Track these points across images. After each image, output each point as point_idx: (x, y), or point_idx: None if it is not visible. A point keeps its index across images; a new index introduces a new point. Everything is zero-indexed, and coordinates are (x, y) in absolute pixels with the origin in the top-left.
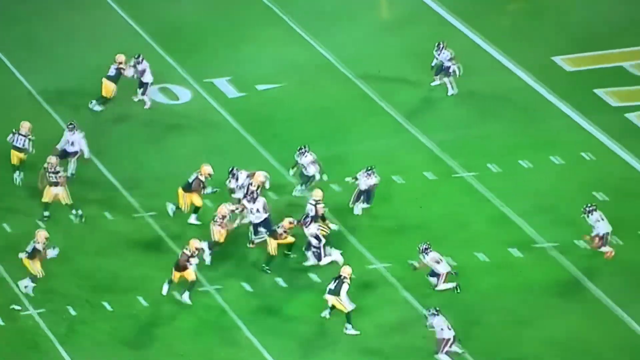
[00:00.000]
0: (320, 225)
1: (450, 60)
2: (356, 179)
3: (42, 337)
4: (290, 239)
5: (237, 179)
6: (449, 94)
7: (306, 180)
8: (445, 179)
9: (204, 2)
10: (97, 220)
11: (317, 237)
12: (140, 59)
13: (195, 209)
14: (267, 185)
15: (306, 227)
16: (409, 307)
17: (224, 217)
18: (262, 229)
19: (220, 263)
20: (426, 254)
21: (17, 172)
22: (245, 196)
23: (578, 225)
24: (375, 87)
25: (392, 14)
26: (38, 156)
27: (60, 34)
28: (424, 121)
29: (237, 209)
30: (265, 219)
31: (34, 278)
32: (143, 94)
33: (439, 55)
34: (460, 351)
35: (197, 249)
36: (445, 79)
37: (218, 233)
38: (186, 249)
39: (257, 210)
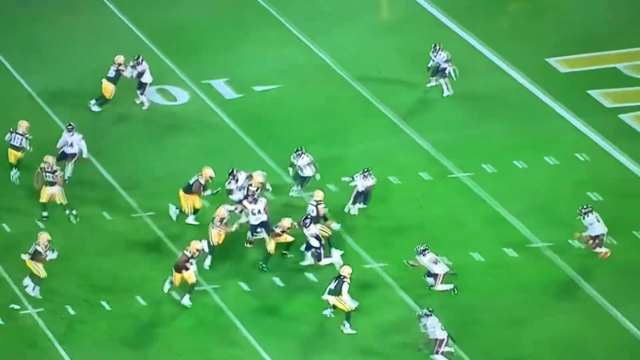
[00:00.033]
0: (321, 227)
1: (446, 61)
2: (352, 179)
3: (41, 336)
4: (289, 239)
5: (237, 181)
6: (445, 95)
7: (302, 181)
8: (441, 179)
9: (201, 4)
10: (96, 220)
11: (317, 238)
12: (140, 60)
13: (195, 210)
14: (269, 187)
15: (306, 228)
16: (406, 307)
17: (222, 219)
18: (260, 230)
19: (218, 263)
20: (423, 255)
21: (14, 169)
22: (246, 197)
23: (572, 225)
24: (371, 88)
25: (391, 14)
26: (36, 156)
27: (59, 35)
28: (420, 122)
29: (236, 209)
30: (264, 221)
31: (35, 279)
32: (142, 94)
33: (435, 56)
34: (453, 351)
35: (197, 250)
36: (441, 80)
37: (217, 236)
38: (187, 250)
39: (259, 211)
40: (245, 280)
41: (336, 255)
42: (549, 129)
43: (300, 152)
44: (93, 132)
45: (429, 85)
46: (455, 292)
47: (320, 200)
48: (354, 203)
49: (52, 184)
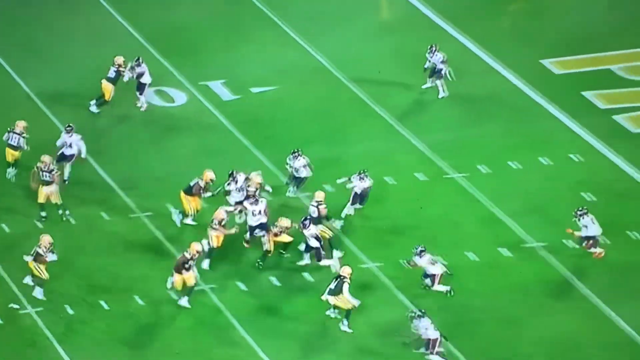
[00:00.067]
0: (323, 228)
1: (442, 62)
2: (350, 181)
3: (40, 335)
4: (288, 238)
5: (236, 182)
6: (440, 96)
7: (298, 182)
8: (437, 180)
9: (199, 7)
10: (95, 220)
11: (317, 238)
12: (140, 61)
13: (195, 211)
14: (269, 188)
15: (305, 229)
16: (404, 308)
17: (220, 221)
18: (259, 231)
19: (217, 263)
20: (420, 256)
21: (11, 167)
22: (247, 198)
23: (567, 225)
24: (368, 89)
25: (390, 15)
26: (35, 156)
27: (57, 37)
28: (416, 123)
29: (235, 209)
30: (262, 222)
31: (38, 280)
32: (141, 94)
33: (431, 57)
34: (443, 350)
35: (197, 252)
36: (437, 82)
37: (214, 238)
38: (187, 251)
39: (259, 212)
40: (243, 280)
41: (335, 258)
42: (543, 130)
43: (296, 153)
44: (92, 132)
45: (424, 86)
46: (452, 294)
47: (321, 201)
48: (352, 204)
49: (48, 183)
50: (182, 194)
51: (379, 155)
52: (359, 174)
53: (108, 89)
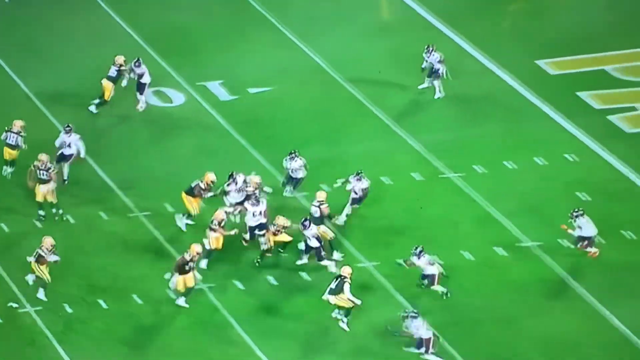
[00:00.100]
0: (325, 229)
1: (439, 62)
2: (348, 182)
3: (39, 334)
4: (287, 238)
5: (235, 183)
6: (436, 97)
7: (295, 183)
8: (433, 179)
9: (197, 8)
10: (93, 220)
11: (317, 239)
12: (139, 62)
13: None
14: (269, 189)
15: (306, 229)
16: (402, 307)
17: (220, 222)
18: (258, 231)
19: (215, 262)
20: (419, 256)
21: (7, 166)
22: (247, 198)
23: (561, 224)
24: (364, 90)
25: (389, 15)
26: (34, 156)
27: (56, 38)
28: (412, 123)
29: (235, 210)
30: (262, 223)
31: (40, 281)
32: (141, 94)
33: (428, 57)
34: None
35: (197, 253)
36: (435, 82)
37: (214, 240)
38: (187, 252)
39: (260, 213)
40: (242, 279)
41: (335, 258)
42: (538, 130)
43: (293, 154)
44: (90, 132)
45: (421, 87)
46: (448, 296)
47: (322, 201)
48: (352, 204)
49: (45, 181)
50: (184, 195)
51: (375, 155)
52: (356, 175)
53: (108, 87)
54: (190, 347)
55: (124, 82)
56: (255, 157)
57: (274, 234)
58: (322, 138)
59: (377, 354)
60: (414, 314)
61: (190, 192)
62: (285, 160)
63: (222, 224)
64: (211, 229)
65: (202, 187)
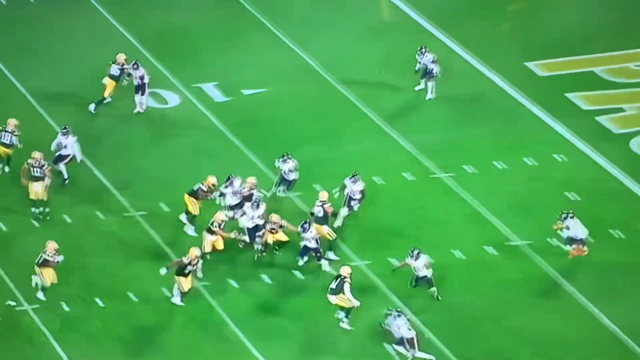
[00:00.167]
0: (328, 230)
1: (433, 62)
2: (344, 186)
3: (37, 332)
4: (284, 238)
5: (232, 186)
6: (427, 98)
7: (288, 184)
8: (424, 179)
9: (192, 11)
10: (90, 219)
11: (316, 240)
12: (137, 65)
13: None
14: (262, 193)
15: (305, 232)
16: (399, 308)
17: (220, 223)
18: (255, 233)
19: (212, 262)
20: (415, 258)
21: (2, 164)
22: (245, 199)
23: (551, 223)
24: (356, 91)
25: (388, 16)
26: (30, 156)
27: (53, 40)
28: (403, 124)
29: (234, 214)
30: (258, 225)
31: (42, 285)
32: (142, 94)
33: (421, 59)
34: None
35: (196, 256)
36: (429, 83)
37: (209, 243)
38: (185, 257)
39: (259, 217)
40: (237, 278)
41: (330, 258)
42: (528, 131)
43: (285, 157)
44: (86, 133)
45: (417, 88)
46: (440, 298)
47: (325, 201)
48: (350, 207)
49: (38, 179)
50: (186, 196)
51: (367, 156)
52: (352, 176)
53: (110, 86)
54: (187, 346)
55: (124, 82)
56: (250, 158)
57: (271, 232)
58: (316, 139)
59: (376, 354)
60: (397, 313)
61: (193, 194)
62: (278, 161)
63: (222, 226)
64: (210, 231)
65: (204, 189)
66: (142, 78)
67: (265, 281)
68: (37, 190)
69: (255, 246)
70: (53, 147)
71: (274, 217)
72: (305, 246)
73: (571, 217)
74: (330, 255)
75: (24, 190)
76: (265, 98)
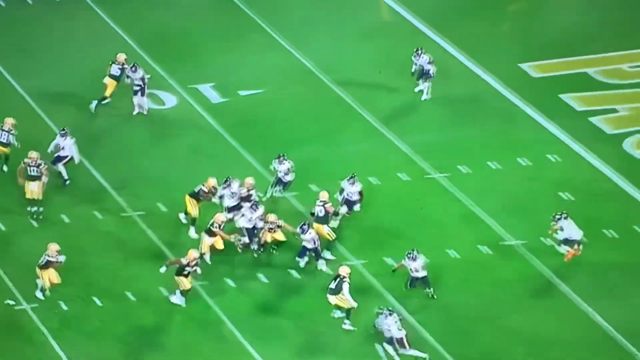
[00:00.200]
0: (328, 231)
1: (430, 63)
2: (342, 189)
3: (35, 331)
4: (282, 237)
5: (230, 187)
6: (423, 99)
7: (284, 185)
8: (419, 180)
9: (189, 12)
10: (88, 219)
11: (314, 241)
12: (135, 67)
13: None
14: (261, 194)
15: (304, 233)
16: (397, 308)
17: (220, 224)
18: (254, 234)
19: (213, 262)
20: (413, 259)
21: (0, 163)
22: (244, 200)
23: (545, 223)
24: (352, 92)
25: (383, 19)
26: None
27: (51, 40)
28: (399, 125)
29: (234, 217)
30: (258, 227)
31: (42, 285)
32: (142, 95)
33: (418, 60)
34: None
35: (195, 258)
36: (426, 84)
37: (206, 244)
38: (184, 258)
39: (258, 218)
40: (235, 278)
41: (326, 257)
42: (521, 131)
43: (281, 158)
44: (84, 133)
45: (417, 89)
46: (435, 297)
47: (326, 200)
48: (349, 208)
49: (35, 178)
50: (188, 197)
51: (363, 157)
52: (350, 178)
53: (111, 85)
54: (185, 345)
55: (127, 80)
56: (246, 158)
57: (269, 231)
58: (312, 139)
59: (375, 353)
60: (388, 312)
61: (195, 195)
62: (274, 162)
63: (222, 227)
64: (209, 232)
65: (205, 191)
66: (142, 80)
67: (264, 281)
68: (33, 189)
69: (252, 245)
70: (51, 148)
71: (271, 217)
72: (304, 247)
73: (565, 218)
74: (327, 254)
75: (22, 190)
76: (262, 99)
